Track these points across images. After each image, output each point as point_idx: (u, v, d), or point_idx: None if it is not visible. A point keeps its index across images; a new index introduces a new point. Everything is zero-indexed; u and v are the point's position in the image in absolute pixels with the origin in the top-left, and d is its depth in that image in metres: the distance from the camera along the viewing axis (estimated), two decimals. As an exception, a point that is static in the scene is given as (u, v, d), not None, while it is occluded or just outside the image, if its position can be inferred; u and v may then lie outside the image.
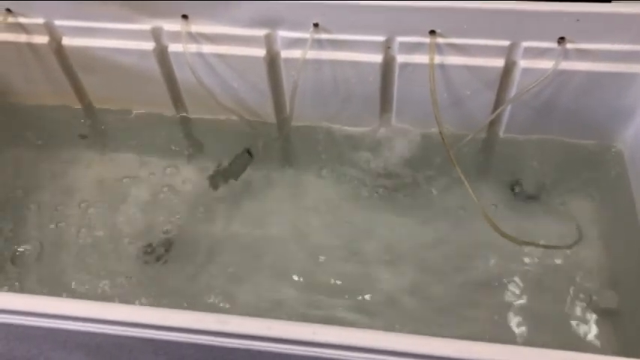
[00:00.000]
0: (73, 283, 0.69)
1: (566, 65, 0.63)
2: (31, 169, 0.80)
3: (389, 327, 0.64)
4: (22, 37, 0.73)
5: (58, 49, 0.74)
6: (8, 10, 0.71)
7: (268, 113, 0.77)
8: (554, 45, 0.63)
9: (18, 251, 0.73)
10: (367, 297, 0.67)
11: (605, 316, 0.64)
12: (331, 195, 0.75)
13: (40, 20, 0.71)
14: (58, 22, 0.72)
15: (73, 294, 0.68)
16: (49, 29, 0.72)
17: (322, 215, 0.73)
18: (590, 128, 0.71)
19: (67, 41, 0.73)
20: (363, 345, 0.44)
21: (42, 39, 0.73)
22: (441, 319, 0.65)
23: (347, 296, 0.67)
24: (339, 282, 0.68)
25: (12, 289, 0.69)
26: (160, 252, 0.71)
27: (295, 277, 0.68)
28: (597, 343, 0.62)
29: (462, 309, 0.66)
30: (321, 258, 0.70)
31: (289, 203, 0.75)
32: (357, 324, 0.64)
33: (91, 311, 0.47)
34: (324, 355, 0.45)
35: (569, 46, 0.62)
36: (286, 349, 0.44)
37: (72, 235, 0.74)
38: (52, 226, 0.75)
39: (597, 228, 0.69)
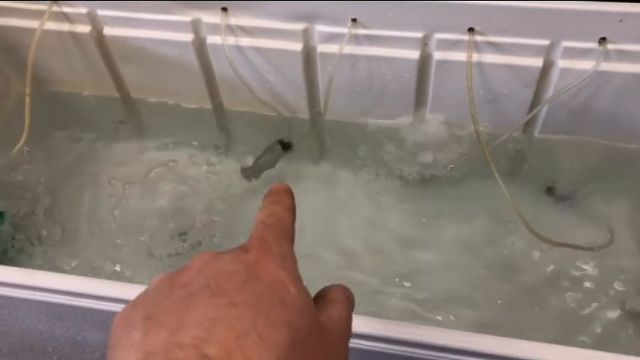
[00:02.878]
0: (108, 266, 0.71)
1: (607, 66, 0.62)
2: (69, 155, 0.82)
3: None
4: (65, 26, 0.75)
5: (99, 39, 0.76)
6: (53, 0, 0.72)
7: (302, 107, 0.78)
8: (594, 45, 0.62)
9: (54, 232, 0.74)
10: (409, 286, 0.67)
11: (638, 320, 0.63)
12: (363, 189, 0.75)
13: (84, 10, 0.73)
14: (100, 12, 0.73)
15: (108, 276, 0.69)
16: (91, 19, 0.74)
17: (353, 209, 0.74)
18: (629, 131, 0.70)
19: (108, 31, 0.74)
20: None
21: (84, 28, 0.74)
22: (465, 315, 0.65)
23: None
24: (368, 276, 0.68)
25: (49, 268, 0.71)
26: (192, 240, 0.72)
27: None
28: (628, 347, 0.62)
29: (492, 307, 0.66)
30: (353, 253, 0.70)
31: (321, 197, 0.76)
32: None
33: (128, 293, 0.48)
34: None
35: (610, 46, 0.61)
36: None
37: (107, 219, 0.75)
38: (88, 210, 0.76)
39: (632, 231, 0.69)
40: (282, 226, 0.29)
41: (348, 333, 0.29)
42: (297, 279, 0.27)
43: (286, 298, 0.25)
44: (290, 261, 0.28)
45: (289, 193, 0.32)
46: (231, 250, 0.27)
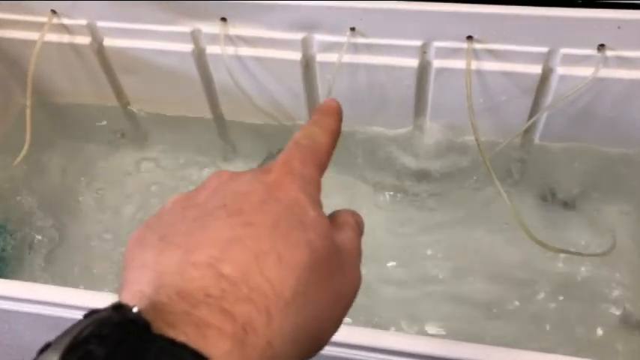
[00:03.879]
0: (107, 278, 0.71)
1: (606, 73, 0.62)
2: (70, 166, 0.82)
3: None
4: (65, 38, 0.75)
5: (100, 50, 0.76)
6: (53, 12, 0.73)
7: (302, 116, 0.78)
8: (593, 52, 0.62)
9: (53, 244, 0.75)
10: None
11: (638, 327, 0.63)
12: (362, 196, 0.75)
13: (83, 21, 0.73)
14: (100, 24, 0.73)
15: (107, 289, 0.69)
16: (91, 30, 0.74)
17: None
18: (629, 137, 0.70)
19: (108, 42, 0.74)
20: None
21: (84, 40, 0.75)
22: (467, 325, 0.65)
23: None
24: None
25: (47, 280, 0.71)
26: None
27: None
28: (630, 356, 0.61)
29: (490, 315, 0.65)
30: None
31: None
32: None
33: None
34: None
35: (609, 53, 0.61)
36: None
37: (107, 230, 0.75)
38: (88, 221, 0.76)
39: (632, 237, 0.69)
40: (314, 150, 0.28)
41: (359, 255, 0.29)
42: (317, 203, 0.26)
43: (305, 219, 0.24)
44: (312, 186, 0.27)
45: (336, 115, 0.30)
46: (252, 170, 0.27)
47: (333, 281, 0.25)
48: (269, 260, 0.22)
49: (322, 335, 0.24)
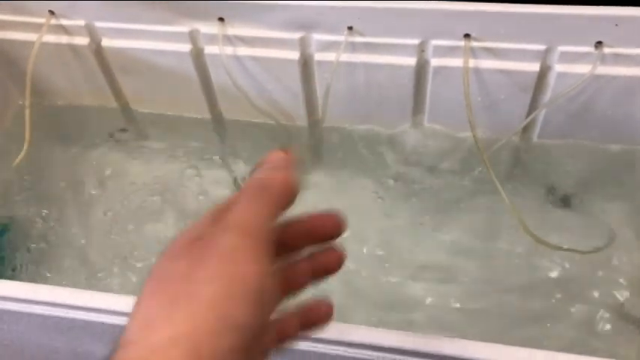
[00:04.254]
0: (105, 278, 0.71)
1: (603, 70, 0.62)
2: (68, 166, 0.82)
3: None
4: (64, 39, 0.75)
5: (98, 51, 0.76)
6: (51, 12, 0.73)
7: (300, 115, 0.78)
8: (591, 49, 0.62)
9: (53, 245, 0.75)
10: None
11: (637, 325, 0.63)
12: (361, 195, 0.75)
13: (82, 22, 0.73)
14: (98, 24, 0.73)
15: (107, 289, 0.70)
16: (89, 31, 0.74)
17: (350, 216, 0.74)
18: (627, 134, 0.70)
19: (106, 42, 0.75)
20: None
21: (82, 40, 0.75)
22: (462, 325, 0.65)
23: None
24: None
25: (46, 281, 0.71)
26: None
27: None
28: (627, 354, 0.61)
29: (490, 314, 0.65)
30: (349, 260, 0.70)
31: (319, 204, 0.75)
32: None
33: (127, 306, 0.48)
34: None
35: (606, 50, 0.61)
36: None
37: (105, 231, 0.75)
38: (86, 222, 0.77)
39: (632, 234, 0.69)
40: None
41: (239, 221, 0.28)
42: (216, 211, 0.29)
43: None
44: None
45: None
46: None
47: (200, 263, 0.27)
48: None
49: (226, 315, 0.25)
